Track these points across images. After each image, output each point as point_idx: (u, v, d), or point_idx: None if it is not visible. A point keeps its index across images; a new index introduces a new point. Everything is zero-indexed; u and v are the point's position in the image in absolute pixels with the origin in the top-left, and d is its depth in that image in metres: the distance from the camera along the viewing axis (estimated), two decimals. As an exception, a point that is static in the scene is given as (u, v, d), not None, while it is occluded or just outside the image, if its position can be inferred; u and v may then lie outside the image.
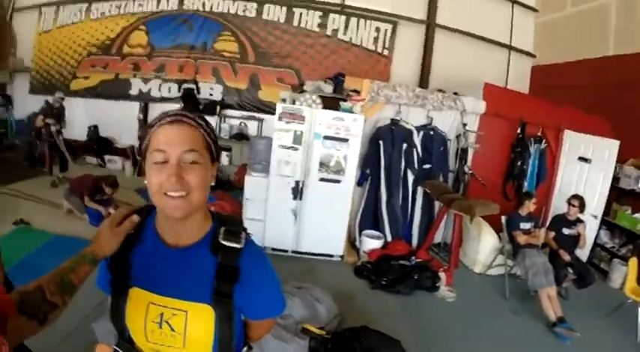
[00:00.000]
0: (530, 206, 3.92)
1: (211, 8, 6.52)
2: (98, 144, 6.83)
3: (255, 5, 6.40)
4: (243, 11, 6.45)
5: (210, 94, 6.55)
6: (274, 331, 2.25)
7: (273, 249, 4.04)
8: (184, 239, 0.87)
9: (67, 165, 5.95)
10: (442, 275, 3.80)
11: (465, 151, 4.67)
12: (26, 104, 8.24)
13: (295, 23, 6.36)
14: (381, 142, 4.28)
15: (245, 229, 0.91)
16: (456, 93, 4.75)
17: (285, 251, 4.08)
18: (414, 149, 4.39)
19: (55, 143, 5.69)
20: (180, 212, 0.80)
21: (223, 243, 0.85)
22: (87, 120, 6.84)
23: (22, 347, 1.73)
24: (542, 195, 4.87)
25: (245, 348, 0.99)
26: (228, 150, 6.22)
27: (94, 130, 6.77)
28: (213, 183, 0.88)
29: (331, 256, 4.13)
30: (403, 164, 4.35)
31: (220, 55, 6.54)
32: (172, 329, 0.85)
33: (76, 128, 6.60)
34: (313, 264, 3.97)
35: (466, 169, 4.72)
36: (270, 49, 6.45)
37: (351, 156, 3.89)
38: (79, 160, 6.65)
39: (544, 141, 4.93)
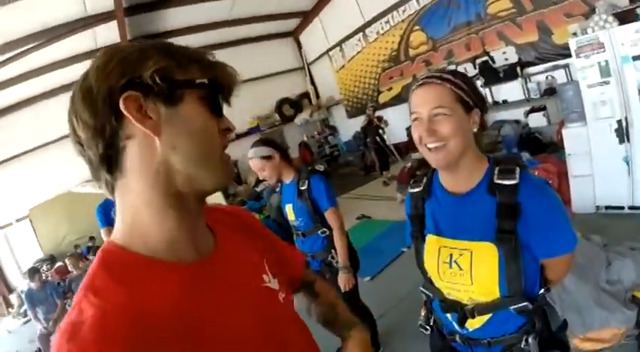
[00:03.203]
0: None
1: (467, -22, 6.11)
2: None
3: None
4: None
5: (506, 59, 6.07)
6: (598, 298, 2.01)
7: (607, 208, 3.55)
8: (463, 185, 0.96)
9: (388, 165, 7.24)
10: None
11: None
12: (347, 128, 10.90)
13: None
14: None
15: (521, 164, 0.92)
16: None
17: (621, 207, 3.49)
18: None
19: (380, 149, 7.09)
20: (443, 162, 0.91)
21: (498, 182, 0.89)
22: (403, 123, 7.93)
23: (363, 307, 2.27)
24: None
25: (542, 290, 0.95)
26: (543, 109, 5.54)
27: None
28: (475, 130, 0.94)
29: (678, 202, 3.20)
30: None
31: (498, 17, 5.97)
32: (460, 268, 0.93)
33: (397, 133, 7.84)
34: (655, 219, 3.17)
35: None
36: (543, -13, 5.18)
37: (675, 67, 2.95)
38: (406, 158, 7.60)
39: None
